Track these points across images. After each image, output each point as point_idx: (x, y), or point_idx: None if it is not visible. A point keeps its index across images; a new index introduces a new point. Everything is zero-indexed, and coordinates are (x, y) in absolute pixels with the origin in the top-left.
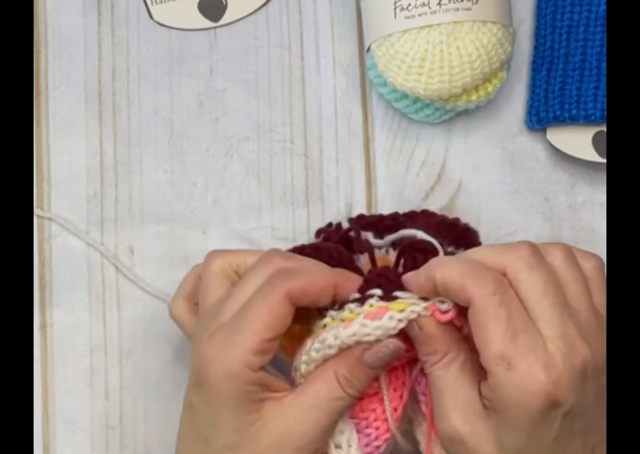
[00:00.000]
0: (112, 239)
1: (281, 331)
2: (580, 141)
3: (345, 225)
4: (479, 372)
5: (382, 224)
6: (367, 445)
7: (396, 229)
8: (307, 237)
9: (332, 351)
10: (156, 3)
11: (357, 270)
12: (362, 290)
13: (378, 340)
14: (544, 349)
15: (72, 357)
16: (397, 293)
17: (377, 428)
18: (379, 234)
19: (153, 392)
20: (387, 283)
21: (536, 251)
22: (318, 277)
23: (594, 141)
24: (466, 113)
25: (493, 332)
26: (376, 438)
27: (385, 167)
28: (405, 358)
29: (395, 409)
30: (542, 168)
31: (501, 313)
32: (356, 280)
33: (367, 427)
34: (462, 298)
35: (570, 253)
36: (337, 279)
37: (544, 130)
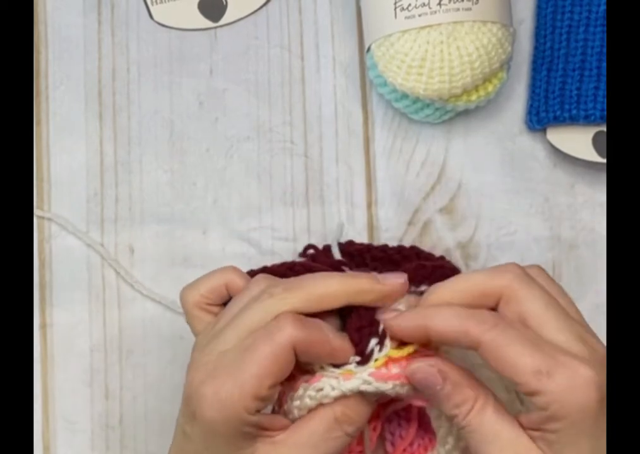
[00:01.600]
0: (111, 239)
1: (281, 379)
2: (580, 141)
3: (335, 251)
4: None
5: (370, 255)
6: None
7: (383, 261)
8: (306, 237)
9: (329, 400)
10: (156, 3)
11: None
12: (358, 348)
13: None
14: (569, 350)
15: (72, 357)
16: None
17: None
18: (366, 265)
19: (153, 392)
20: (374, 333)
21: (524, 271)
22: (327, 340)
23: (594, 141)
24: (466, 113)
25: (517, 353)
26: None
27: (385, 167)
28: (383, 398)
29: (370, 439)
30: (542, 168)
31: (513, 334)
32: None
33: None
34: (466, 342)
35: (544, 271)
36: (343, 346)
37: (544, 130)
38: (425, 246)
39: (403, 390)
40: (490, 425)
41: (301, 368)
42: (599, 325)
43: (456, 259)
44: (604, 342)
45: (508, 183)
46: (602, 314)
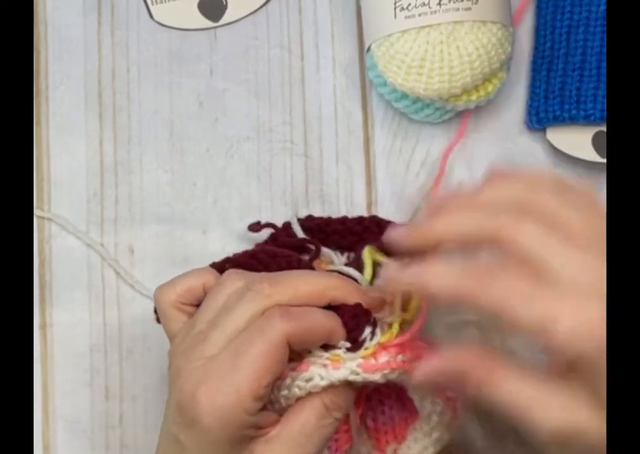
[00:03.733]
0: (111, 240)
1: (277, 375)
2: (580, 141)
3: (296, 227)
4: None
5: (330, 228)
6: None
7: (344, 233)
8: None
9: (317, 389)
10: (156, 3)
11: None
12: (351, 335)
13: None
14: (573, 285)
15: (72, 357)
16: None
17: (337, 440)
18: (327, 239)
19: (153, 392)
20: (368, 321)
21: (520, 201)
22: (318, 323)
23: (594, 141)
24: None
25: (515, 308)
26: (336, 450)
27: (385, 167)
28: None
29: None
30: (542, 168)
31: (508, 285)
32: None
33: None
34: (464, 306)
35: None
36: (334, 326)
37: (544, 130)
38: None
39: (393, 376)
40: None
41: None
42: None
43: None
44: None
45: None
46: None
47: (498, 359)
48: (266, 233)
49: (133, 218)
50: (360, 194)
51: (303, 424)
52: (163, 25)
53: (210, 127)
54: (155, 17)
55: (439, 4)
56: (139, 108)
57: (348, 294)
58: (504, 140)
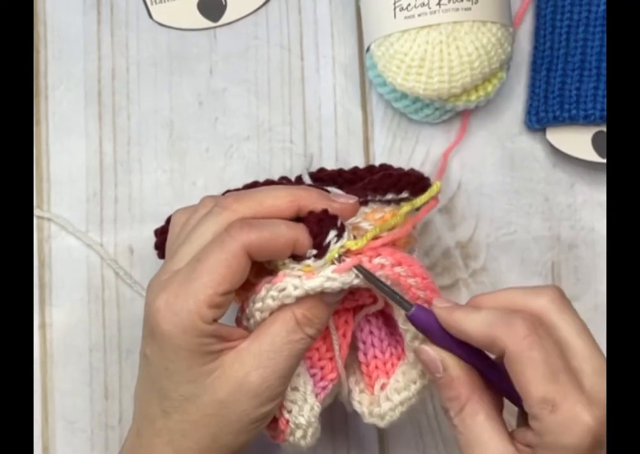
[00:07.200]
0: (111, 239)
1: (236, 285)
2: (580, 141)
3: (306, 178)
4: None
5: (342, 178)
6: (313, 386)
7: (353, 182)
8: None
9: (290, 300)
10: (156, 3)
11: None
12: (316, 240)
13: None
14: (583, 386)
15: (72, 357)
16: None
17: (322, 368)
18: (340, 188)
19: None
20: (333, 224)
21: (562, 294)
22: (279, 233)
23: (594, 141)
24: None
25: (531, 376)
26: (321, 378)
27: None
28: (349, 303)
29: (340, 346)
30: (542, 168)
31: (536, 355)
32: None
33: (312, 367)
34: (495, 350)
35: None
36: (298, 235)
37: (544, 130)
38: (425, 245)
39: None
40: (478, 431)
41: (261, 273)
42: (598, 325)
43: (456, 258)
44: (603, 342)
45: (508, 183)
46: (602, 314)
47: None
48: None
49: (133, 218)
50: None
51: (273, 337)
52: (162, 25)
53: (210, 127)
54: (154, 17)
55: (439, 4)
56: (139, 107)
57: (316, 203)
58: (504, 140)
